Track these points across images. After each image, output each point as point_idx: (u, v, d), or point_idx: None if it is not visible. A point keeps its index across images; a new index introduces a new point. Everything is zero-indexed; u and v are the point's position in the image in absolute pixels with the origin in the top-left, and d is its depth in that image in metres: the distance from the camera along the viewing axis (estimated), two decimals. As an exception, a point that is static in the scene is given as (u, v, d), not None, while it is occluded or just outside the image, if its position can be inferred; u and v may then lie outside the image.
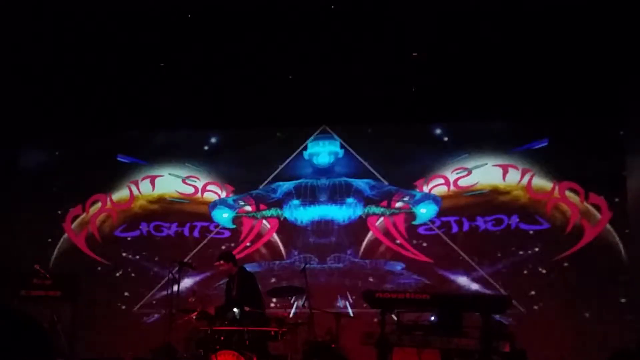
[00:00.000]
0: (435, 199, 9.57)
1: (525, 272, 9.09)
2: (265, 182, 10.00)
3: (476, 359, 6.19)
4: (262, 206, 9.96)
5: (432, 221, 9.51)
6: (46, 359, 1.71)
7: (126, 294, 9.88)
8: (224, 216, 10.01)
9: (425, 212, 9.58)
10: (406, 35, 8.03)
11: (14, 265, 9.63)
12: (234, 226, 9.95)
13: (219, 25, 7.88)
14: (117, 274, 9.98)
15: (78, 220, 10.26)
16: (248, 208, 10.01)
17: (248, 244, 9.84)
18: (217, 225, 9.98)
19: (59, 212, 10.30)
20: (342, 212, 9.75)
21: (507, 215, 9.31)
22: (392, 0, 7.42)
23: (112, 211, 10.26)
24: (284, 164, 10.03)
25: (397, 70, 8.73)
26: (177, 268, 7.55)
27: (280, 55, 8.50)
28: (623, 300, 8.63)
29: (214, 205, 10.07)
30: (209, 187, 10.15)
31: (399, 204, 9.67)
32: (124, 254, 10.05)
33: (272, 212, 9.90)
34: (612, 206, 8.97)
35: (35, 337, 1.71)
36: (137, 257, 10.01)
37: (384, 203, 9.69)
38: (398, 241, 9.53)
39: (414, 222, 9.54)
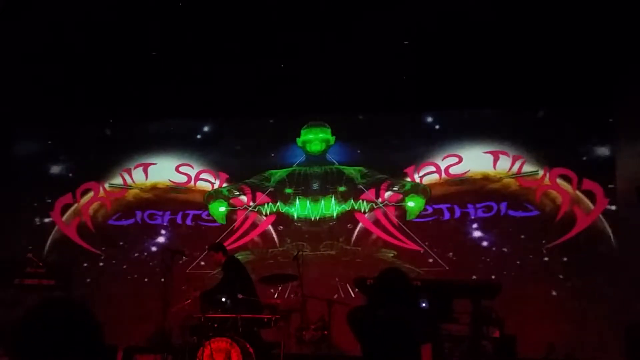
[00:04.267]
0: (423, 190, 9.62)
1: (514, 258, 9.15)
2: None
3: (466, 345, 6.30)
4: (258, 194, 9.96)
5: (424, 209, 9.57)
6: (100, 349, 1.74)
7: (119, 281, 9.92)
8: (220, 210, 10.01)
9: (413, 205, 9.63)
10: (397, 24, 8.05)
11: (8, 253, 9.66)
12: (224, 223, 9.96)
13: (211, 13, 7.87)
14: (111, 262, 10.00)
15: (70, 209, 10.26)
16: (243, 198, 10.03)
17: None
18: (209, 214, 10.01)
19: (49, 201, 10.32)
20: (334, 202, 9.79)
21: (496, 202, 9.37)
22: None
23: (105, 200, 10.28)
24: (277, 152, 10.08)
25: (388, 58, 8.74)
26: (169, 256, 7.66)
27: (272, 43, 8.50)
28: (612, 286, 8.69)
29: (209, 197, 10.07)
30: (202, 176, 10.18)
31: (388, 194, 9.71)
32: (117, 243, 10.08)
33: (268, 207, 9.92)
34: (608, 193, 8.99)
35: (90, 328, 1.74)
36: (131, 245, 10.04)
37: (372, 191, 9.74)
38: (389, 230, 9.59)
39: (407, 219, 9.59)
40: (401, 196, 9.68)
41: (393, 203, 9.67)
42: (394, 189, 9.70)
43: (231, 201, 10.04)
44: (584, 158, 9.21)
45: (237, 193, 10.05)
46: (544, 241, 9.08)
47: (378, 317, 3.51)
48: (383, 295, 3.58)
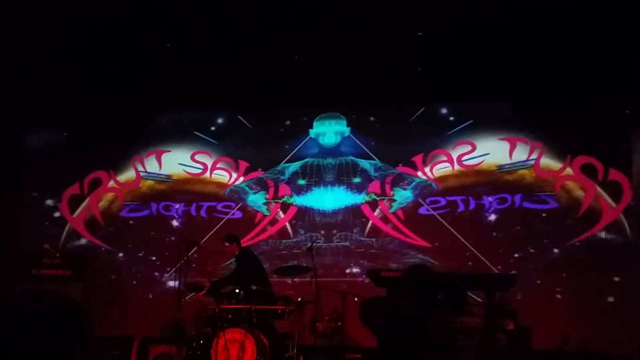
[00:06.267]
0: (425, 186, 9.55)
1: (529, 250, 9.10)
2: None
3: (480, 337, 6.27)
4: (281, 187, 9.89)
5: (436, 200, 9.52)
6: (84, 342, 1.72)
7: (134, 272, 9.95)
8: (263, 203, 9.94)
9: (396, 199, 9.60)
10: (412, 15, 8.00)
11: (25, 244, 9.73)
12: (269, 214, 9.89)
13: (225, 5, 7.86)
14: (125, 253, 9.99)
15: (78, 200, 10.18)
16: (264, 193, 9.94)
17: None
18: (226, 205, 9.98)
19: (57, 191, 10.24)
20: (348, 194, 9.77)
21: (511, 195, 9.28)
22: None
23: (118, 191, 10.20)
24: (292, 144, 10.00)
25: (403, 49, 8.69)
26: (184, 247, 7.70)
27: (286, 35, 8.47)
28: (628, 280, 8.61)
29: (232, 192, 9.96)
30: (219, 165, 10.09)
31: (395, 189, 9.67)
32: (131, 234, 10.07)
33: (285, 199, 9.87)
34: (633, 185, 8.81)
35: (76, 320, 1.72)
36: (146, 236, 10.02)
37: (378, 185, 9.69)
38: (397, 226, 9.53)
39: (389, 211, 9.57)
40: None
41: (388, 197, 9.63)
42: (401, 184, 9.65)
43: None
44: (608, 148, 9.01)
45: (258, 188, 10.00)
46: (564, 233, 8.97)
47: (402, 310, 3.48)
48: (410, 290, 3.56)
